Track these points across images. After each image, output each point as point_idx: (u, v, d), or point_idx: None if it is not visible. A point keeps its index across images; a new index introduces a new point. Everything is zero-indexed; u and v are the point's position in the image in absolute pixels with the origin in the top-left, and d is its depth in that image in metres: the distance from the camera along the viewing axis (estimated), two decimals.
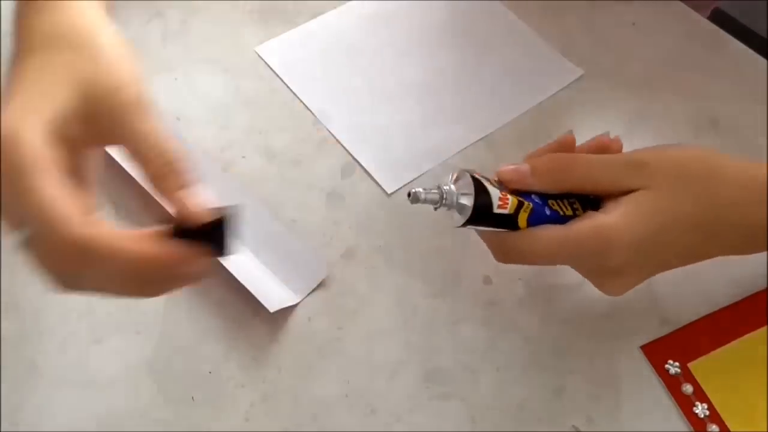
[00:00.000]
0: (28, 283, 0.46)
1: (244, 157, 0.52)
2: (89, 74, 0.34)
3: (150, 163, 0.34)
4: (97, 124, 0.34)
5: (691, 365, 0.43)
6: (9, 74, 0.34)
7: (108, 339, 0.44)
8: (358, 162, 0.51)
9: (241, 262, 0.46)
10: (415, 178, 0.51)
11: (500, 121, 0.53)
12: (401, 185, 0.50)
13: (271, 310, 0.44)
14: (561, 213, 0.40)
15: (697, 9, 0.59)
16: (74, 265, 0.30)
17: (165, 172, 0.34)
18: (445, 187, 0.38)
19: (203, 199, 0.34)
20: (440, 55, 0.57)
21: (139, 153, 0.34)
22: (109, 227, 0.31)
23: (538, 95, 0.54)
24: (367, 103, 0.54)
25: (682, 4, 0.60)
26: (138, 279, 0.32)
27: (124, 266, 0.31)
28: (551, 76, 0.56)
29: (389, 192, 0.50)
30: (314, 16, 0.59)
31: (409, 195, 0.38)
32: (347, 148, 0.52)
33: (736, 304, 0.45)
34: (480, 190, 0.38)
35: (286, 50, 0.57)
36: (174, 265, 0.32)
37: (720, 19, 0.62)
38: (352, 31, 0.58)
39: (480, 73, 0.56)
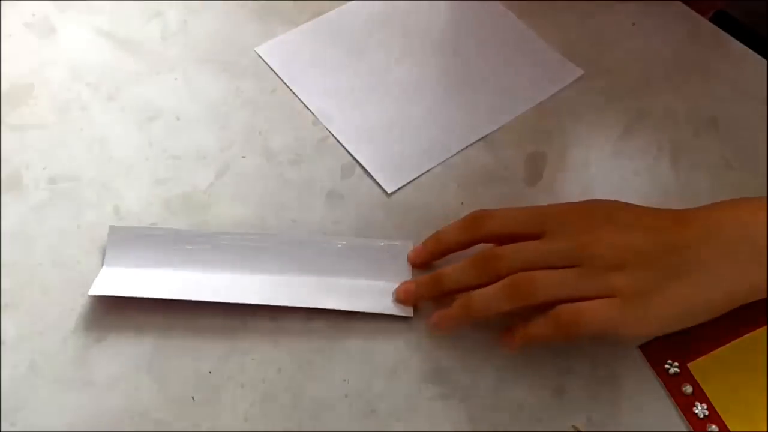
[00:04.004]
0: (28, 283, 0.46)
1: (244, 157, 0.52)
2: None
3: None
4: None
5: (690, 365, 0.43)
6: None
7: (108, 339, 0.44)
8: (358, 162, 0.51)
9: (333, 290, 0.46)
10: (415, 178, 0.51)
11: (500, 121, 0.53)
12: (401, 185, 0.50)
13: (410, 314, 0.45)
14: None
15: (699, 11, 0.59)
16: None
17: None
18: None
19: None
20: (440, 55, 0.57)
21: None
22: None
23: (538, 95, 0.55)
24: (367, 103, 0.54)
25: (682, 4, 0.60)
26: None
27: None
28: (551, 76, 0.56)
29: (389, 192, 0.50)
30: (314, 16, 0.59)
31: None
32: (347, 148, 0.52)
33: None
34: None
35: (286, 50, 0.57)
36: None
37: (721, 20, 0.62)
38: (352, 31, 0.58)
39: (480, 73, 0.56)
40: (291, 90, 0.55)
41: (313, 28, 0.59)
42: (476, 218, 0.45)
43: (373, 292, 0.45)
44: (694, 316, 0.41)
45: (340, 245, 0.47)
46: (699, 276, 0.40)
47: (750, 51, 0.57)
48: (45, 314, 0.45)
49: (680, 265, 0.40)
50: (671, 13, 0.59)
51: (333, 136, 0.53)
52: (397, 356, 0.44)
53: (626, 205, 0.43)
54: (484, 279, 0.42)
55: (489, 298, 0.41)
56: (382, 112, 0.54)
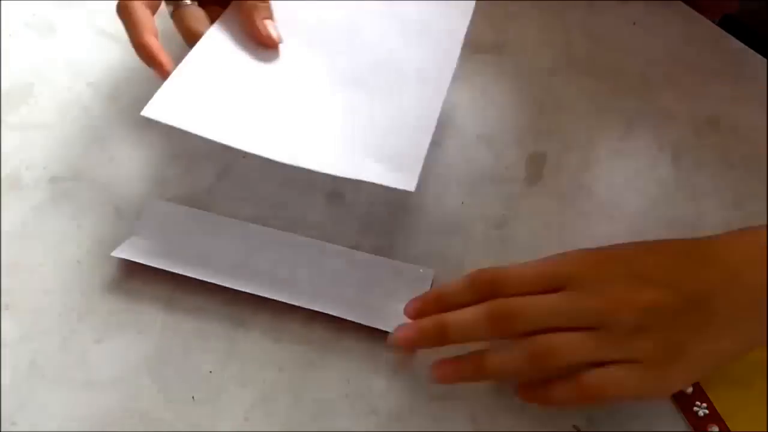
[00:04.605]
0: (28, 283, 0.46)
1: (244, 157, 0.52)
2: None
3: None
4: None
5: None
6: None
7: (108, 339, 0.44)
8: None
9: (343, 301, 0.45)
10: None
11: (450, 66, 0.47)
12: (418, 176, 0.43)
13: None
14: None
15: (700, 11, 0.59)
16: None
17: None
18: None
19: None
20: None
21: None
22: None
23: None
24: None
25: (682, 4, 0.60)
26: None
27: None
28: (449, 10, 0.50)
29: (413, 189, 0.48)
30: None
31: None
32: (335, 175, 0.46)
33: None
34: None
35: None
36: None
37: (727, 24, 0.62)
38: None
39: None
40: None
41: None
42: (485, 282, 0.41)
43: (381, 311, 0.45)
44: (715, 367, 0.40)
45: (361, 260, 0.47)
46: (721, 327, 0.38)
47: (750, 51, 0.57)
48: (45, 314, 0.45)
49: (702, 318, 0.38)
50: (671, 13, 0.59)
51: None
52: (398, 356, 0.44)
53: (644, 251, 0.40)
54: (497, 335, 0.39)
55: (506, 362, 0.39)
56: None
